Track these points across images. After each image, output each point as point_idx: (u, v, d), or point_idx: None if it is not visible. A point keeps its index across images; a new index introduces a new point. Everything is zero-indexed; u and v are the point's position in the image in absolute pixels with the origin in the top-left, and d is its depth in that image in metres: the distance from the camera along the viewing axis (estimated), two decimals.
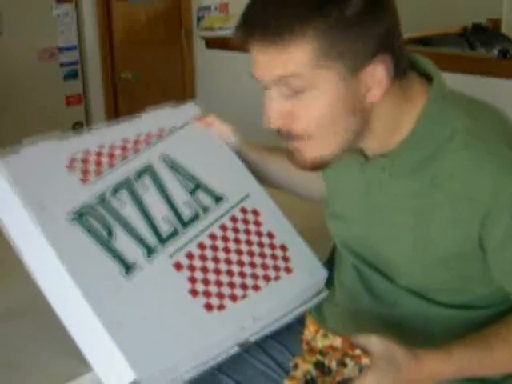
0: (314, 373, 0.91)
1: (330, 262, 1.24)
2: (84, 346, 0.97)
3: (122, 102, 4.05)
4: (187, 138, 1.21)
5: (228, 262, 1.07)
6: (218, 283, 1.04)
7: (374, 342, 0.92)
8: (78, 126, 3.87)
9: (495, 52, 2.86)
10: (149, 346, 0.94)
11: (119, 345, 0.91)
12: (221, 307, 1.02)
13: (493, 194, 0.94)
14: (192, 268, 1.04)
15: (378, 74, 0.93)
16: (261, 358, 1.24)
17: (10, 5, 3.55)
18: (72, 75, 3.89)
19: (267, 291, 1.08)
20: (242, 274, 1.07)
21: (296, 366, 0.91)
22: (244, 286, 1.06)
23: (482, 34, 4.36)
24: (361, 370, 0.90)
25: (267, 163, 1.29)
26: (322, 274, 1.17)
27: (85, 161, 1.07)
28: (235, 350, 1.03)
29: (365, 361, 0.90)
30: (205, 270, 1.05)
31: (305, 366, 0.91)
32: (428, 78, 1.02)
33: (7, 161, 1.00)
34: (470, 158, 0.96)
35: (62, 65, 3.83)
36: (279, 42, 0.90)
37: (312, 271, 1.16)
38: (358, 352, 0.90)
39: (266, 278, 1.09)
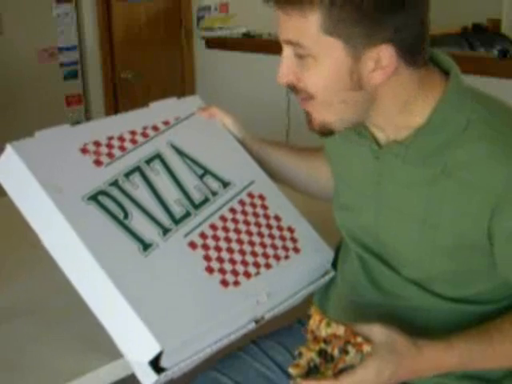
0: (317, 360, 0.92)
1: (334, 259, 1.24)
2: (108, 325, 0.98)
3: (122, 102, 4.05)
4: (192, 128, 1.27)
5: (240, 242, 1.12)
6: (232, 261, 1.08)
7: (376, 331, 0.94)
8: None
9: (495, 52, 2.87)
10: (170, 319, 0.96)
11: (143, 319, 0.93)
12: (236, 283, 1.06)
13: (506, 185, 0.94)
14: (206, 247, 1.08)
15: (382, 60, 0.97)
16: (261, 360, 1.25)
17: (9, 5, 3.55)
18: (72, 75, 3.89)
19: (278, 269, 1.12)
20: (253, 253, 1.12)
21: (300, 355, 0.93)
22: (256, 264, 1.10)
23: (482, 34, 4.37)
24: (362, 357, 0.92)
25: (270, 155, 1.31)
26: (329, 254, 1.21)
27: (97, 145, 1.12)
28: (252, 325, 1.07)
29: (366, 348, 0.92)
30: (218, 249, 1.09)
31: (309, 354, 0.93)
32: (449, 74, 1.05)
33: (21, 145, 1.04)
34: (485, 149, 0.97)
35: (62, 65, 3.83)
36: (289, 8, 0.96)
37: (319, 251, 1.21)
38: (359, 340, 0.92)
39: (277, 257, 1.14)
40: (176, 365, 0.96)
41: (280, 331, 1.30)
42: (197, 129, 1.27)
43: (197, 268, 1.05)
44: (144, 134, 1.18)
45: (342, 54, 0.96)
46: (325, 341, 0.93)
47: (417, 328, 1.01)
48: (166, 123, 1.23)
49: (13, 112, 3.61)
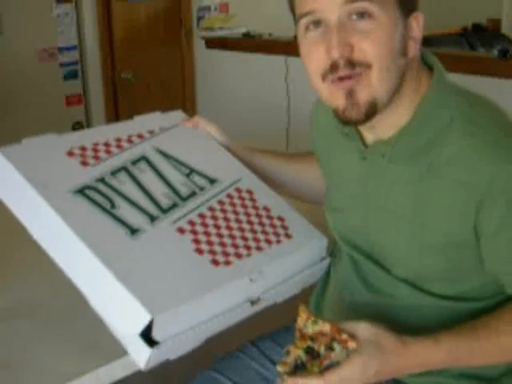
0: (304, 358, 0.93)
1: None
2: (99, 305, 0.98)
3: (122, 102, 4.06)
4: (177, 135, 1.29)
5: (229, 228, 1.12)
6: (222, 244, 1.08)
7: (362, 328, 0.94)
8: (77, 126, 3.88)
9: (495, 52, 2.86)
10: (159, 290, 0.96)
11: (130, 290, 0.93)
12: (227, 263, 1.05)
13: (490, 181, 0.95)
14: (195, 232, 1.08)
15: (414, 27, 0.98)
16: (259, 360, 1.25)
17: (9, 5, 3.56)
18: (72, 75, 3.89)
19: (270, 251, 1.12)
20: (243, 238, 1.11)
21: (288, 353, 0.94)
22: (247, 247, 1.10)
23: (482, 34, 4.38)
24: (348, 354, 0.92)
25: (255, 159, 1.32)
26: (322, 240, 1.20)
27: (83, 150, 1.14)
28: (248, 306, 1.05)
29: (351, 345, 0.92)
30: (207, 234, 1.09)
31: (296, 352, 0.93)
32: (432, 71, 1.05)
33: (9, 150, 1.06)
34: (469, 145, 0.97)
35: (61, 65, 3.84)
36: None
37: (311, 237, 1.20)
38: (344, 337, 0.93)
39: (268, 241, 1.13)
40: (169, 338, 0.94)
41: (278, 332, 1.31)
42: (181, 136, 1.29)
43: (186, 249, 1.05)
44: (129, 141, 1.21)
45: (395, 15, 0.97)
46: (311, 338, 0.94)
47: (409, 326, 1.01)
48: (150, 132, 1.25)
49: (13, 112, 3.62)
